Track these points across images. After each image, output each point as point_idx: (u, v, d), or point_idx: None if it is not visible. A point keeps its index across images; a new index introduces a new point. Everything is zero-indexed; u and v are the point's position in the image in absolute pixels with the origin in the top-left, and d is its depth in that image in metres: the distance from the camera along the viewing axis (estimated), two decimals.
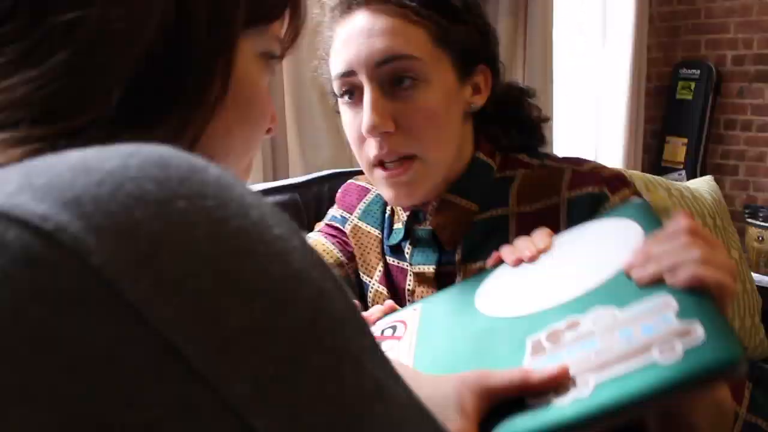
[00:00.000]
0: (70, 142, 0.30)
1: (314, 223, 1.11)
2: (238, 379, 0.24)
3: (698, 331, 0.49)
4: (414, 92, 0.80)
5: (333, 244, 1.01)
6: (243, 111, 0.44)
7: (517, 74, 2.48)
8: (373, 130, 0.79)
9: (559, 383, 0.53)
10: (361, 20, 0.81)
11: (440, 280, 0.90)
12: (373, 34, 0.79)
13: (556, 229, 0.81)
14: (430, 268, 0.89)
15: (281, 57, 0.48)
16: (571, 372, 0.53)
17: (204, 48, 0.38)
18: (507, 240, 0.84)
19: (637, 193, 0.83)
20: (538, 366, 0.55)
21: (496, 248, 0.84)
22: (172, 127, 0.37)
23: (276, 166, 1.69)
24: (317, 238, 1.02)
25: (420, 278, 0.91)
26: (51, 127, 0.32)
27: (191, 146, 0.39)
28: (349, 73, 0.81)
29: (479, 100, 0.88)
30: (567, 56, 3.04)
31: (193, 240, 0.24)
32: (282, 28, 0.47)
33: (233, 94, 0.41)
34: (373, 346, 0.29)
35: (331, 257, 0.99)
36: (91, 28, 0.33)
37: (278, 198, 1.17)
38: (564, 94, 3.00)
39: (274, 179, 1.63)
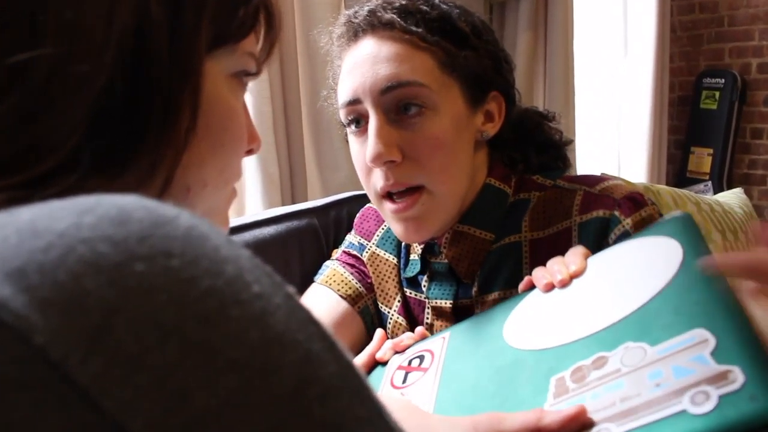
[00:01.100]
0: (31, 194, 0.27)
1: (333, 251, 1.09)
2: None
3: (737, 376, 0.44)
4: (421, 120, 0.78)
5: (351, 274, 0.98)
6: (216, 137, 0.41)
7: (538, 88, 2.46)
8: (378, 159, 0.77)
9: (579, 430, 0.49)
10: (367, 47, 0.79)
11: (458, 314, 0.87)
12: (379, 61, 0.78)
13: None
14: (447, 303, 0.87)
15: (258, 72, 0.45)
16: (594, 418, 0.49)
17: (167, 80, 0.36)
18: (521, 267, 0.82)
19: (654, 214, 0.79)
20: (561, 408, 0.52)
21: (510, 277, 0.81)
22: (144, 166, 0.35)
23: (294, 189, 1.67)
24: (335, 268, 1.00)
25: (437, 312, 0.88)
26: (9, 179, 0.30)
27: (166, 182, 0.37)
28: (354, 102, 0.79)
29: (491, 129, 0.85)
30: (588, 68, 3.01)
31: (154, 308, 0.21)
32: (257, 42, 0.44)
33: (205, 121, 0.39)
34: (373, 414, 0.25)
35: (350, 288, 0.96)
36: (43, 70, 0.31)
37: (295, 224, 1.14)
38: (586, 106, 2.97)
39: (293, 202, 1.61)
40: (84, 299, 0.21)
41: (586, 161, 2.91)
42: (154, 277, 0.22)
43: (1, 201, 0.28)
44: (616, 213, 0.78)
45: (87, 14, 0.32)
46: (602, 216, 0.78)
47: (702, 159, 3.44)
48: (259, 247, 1.04)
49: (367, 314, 0.96)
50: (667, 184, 2.98)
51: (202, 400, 0.21)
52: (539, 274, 0.70)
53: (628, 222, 0.77)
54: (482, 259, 0.85)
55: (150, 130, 0.35)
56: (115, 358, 0.20)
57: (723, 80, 3.38)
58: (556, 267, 0.69)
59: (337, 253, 1.05)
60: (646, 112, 3.05)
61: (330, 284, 0.97)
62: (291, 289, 0.26)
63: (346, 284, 0.96)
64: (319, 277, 1.00)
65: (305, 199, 1.62)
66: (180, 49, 0.36)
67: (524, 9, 2.37)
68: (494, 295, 0.83)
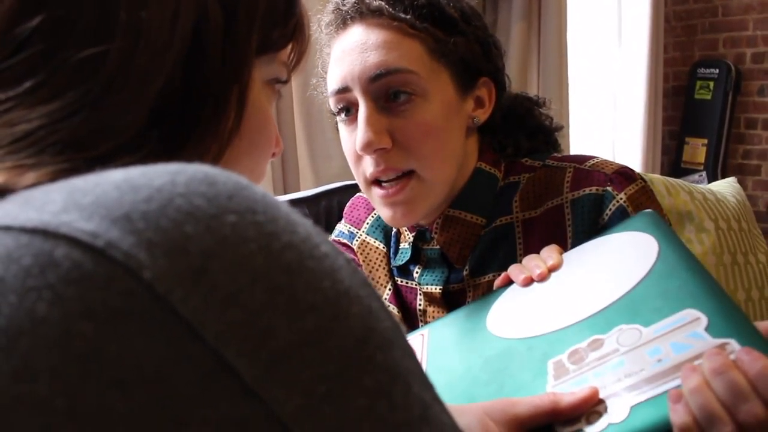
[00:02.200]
0: (92, 169, 0.29)
1: None
2: (290, 396, 0.23)
3: (734, 347, 0.47)
4: (411, 107, 0.77)
5: None
6: (253, 139, 0.44)
7: (531, 79, 2.45)
8: (368, 147, 0.76)
9: (591, 407, 0.50)
10: (355, 35, 0.79)
11: (450, 299, 0.87)
12: (367, 49, 0.77)
13: (561, 230, 0.79)
14: (437, 289, 0.86)
15: (287, 81, 0.48)
16: (601, 395, 0.50)
17: (219, 80, 0.39)
18: (514, 248, 0.82)
19: (646, 186, 0.80)
20: (563, 390, 0.53)
21: (504, 258, 0.81)
22: (190, 157, 0.37)
23: (286, 179, 1.67)
24: None
25: (429, 298, 0.88)
26: (73, 156, 0.32)
27: None
28: (343, 90, 0.79)
29: (482, 114, 0.85)
30: (582, 59, 3.00)
31: (246, 254, 0.24)
32: (287, 52, 0.47)
33: (246, 122, 0.42)
34: (418, 368, 0.29)
35: None
36: (113, 64, 0.34)
37: None
38: (580, 97, 2.97)
39: (285, 192, 1.61)
40: (185, 243, 0.24)
41: (581, 152, 2.90)
42: (244, 228, 0.25)
43: (66, 170, 0.31)
44: (609, 188, 0.78)
45: (155, 14, 0.35)
46: (595, 192, 0.78)
47: (696, 149, 3.44)
48: None
49: None
50: (662, 174, 2.97)
51: (285, 337, 0.24)
52: (516, 271, 0.71)
53: (621, 197, 0.77)
54: (474, 243, 0.85)
55: (200, 124, 0.38)
56: (212, 296, 0.23)
57: (717, 70, 3.38)
58: (533, 263, 0.70)
59: None
60: (640, 103, 3.05)
61: None
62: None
63: None
64: None
65: (297, 190, 1.62)
66: (233, 53, 0.39)
67: None
68: (488, 277, 0.83)
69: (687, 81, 3.51)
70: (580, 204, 0.79)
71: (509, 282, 0.72)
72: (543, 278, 0.67)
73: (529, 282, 0.68)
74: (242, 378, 0.23)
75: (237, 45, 0.39)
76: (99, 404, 0.21)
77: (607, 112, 3.16)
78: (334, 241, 1.02)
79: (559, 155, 0.88)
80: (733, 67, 3.35)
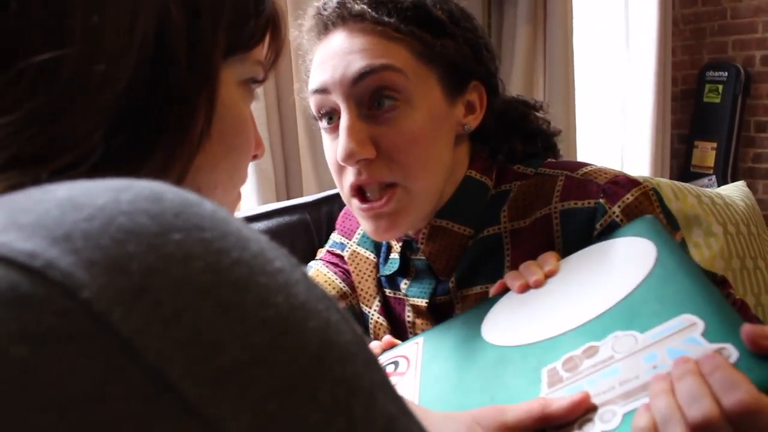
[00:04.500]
0: (52, 180, 0.29)
1: (318, 249, 1.07)
2: (238, 414, 0.22)
3: (731, 352, 0.47)
4: (396, 115, 0.73)
5: (335, 273, 0.95)
6: (229, 142, 0.43)
7: (537, 83, 2.44)
8: (350, 157, 0.73)
9: (583, 414, 0.49)
10: (338, 41, 0.75)
11: (438, 312, 0.85)
12: (350, 53, 0.74)
13: (550, 241, 0.76)
14: (423, 302, 0.84)
15: (263, 80, 0.47)
16: (595, 402, 0.50)
17: (184, 83, 0.38)
18: (502, 259, 0.80)
19: (647, 191, 0.75)
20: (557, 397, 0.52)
21: (493, 270, 0.79)
22: (158, 164, 0.37)
23: (289, 185, 1.67)
24: (318, 268, 0.98)
25: (417, 310, 0.86)
26: (31, 169, 0.31)
27: (178, 182, 0.38)
28: (322, 90, 0.76)
29: (473, 121, 0.81)
30: (589, 63, 2.99)
31: (191, 272, 0.24)
32: (263, 50, 0.46)
33: (218, 126, 0.41)
34: (384, 381, 0.28)
35: (334, 288, 0.94)
36: (69, 70, 0.33)
37: (286, 219, 1.13)
38: (587, 101, 2.95)
39: (287, 197, 1.60)
40: (127, 261, 0.23)
41: (589, 157, 2.89)
42: (190, 246, 0.24)
43: (21, 185, 0.30)
44: (602, 201, 0.74)
45: (111, 18, 0.34)
46: (586, 206, 0.75)
47: (706, 153, 3.41)
48: None
49: (352, 315, 0.94)
50: (671, 178, 2.95)
51: (233, 353, 0.23)
52: (512, 277, 0.69)
53: (615, 210, 0.73)
54: (461, 255, 0.82)
55: (165, 131, 0.37)
56: (154, 314, 0.22)
57: (726, 73, 3.35)
58: (529, 269, 0.68)
59: (321, 253, 1.02)
60: (649, 107, 3.03)
61: None
62: (306, 269, 0.28)
63: (329, 284, 0.94)
64: None
65: (300, 195, 1.62)
66: (197, 55, 0.38)
67: (523, 3, 2.36)
68: (476, 289, 0.81)
69: (696, 84, 3.49)
70: (570, 217, 0.76)
71: (505, 289, 0.70)
72: (539, 285, 0.66)
73: (525, 289, 0.67)
74: (185, 397, 0.22)
75: (202, 46, 0.38)
76: (33, 428, 0.21)
77: (615, 116, 3.14)
78: (328, 251, 1.00)
79: (554, 161, 0.84)
80: (742, 70, 3.33)
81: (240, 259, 0.25)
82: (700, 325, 0.49)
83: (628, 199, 0.74)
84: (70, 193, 0.25)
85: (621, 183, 0.75)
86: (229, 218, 0.27)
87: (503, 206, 0.81)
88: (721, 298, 0.52)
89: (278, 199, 1.60)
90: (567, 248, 0.75)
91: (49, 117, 0.32)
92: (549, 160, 0.85)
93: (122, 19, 0.34)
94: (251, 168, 1.55)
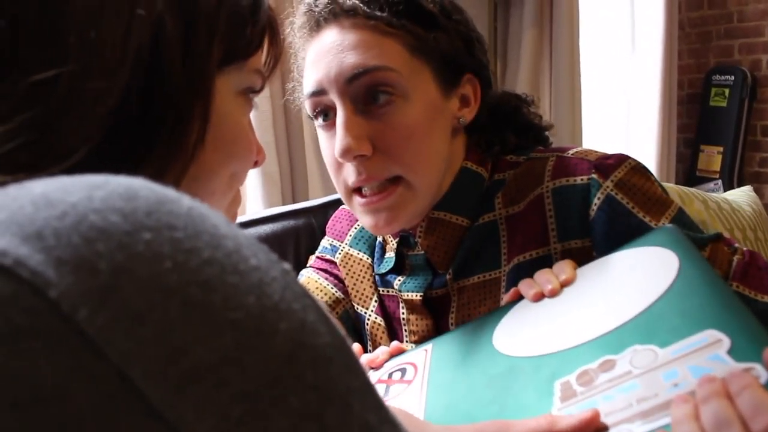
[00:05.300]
0: None
1: (309, 257, 1.06)
2: (201, 418, 0.22)
3: (760, 373, 0.43)
4: (391, 109, 0.74)
5: (326, 279, 0.95)
6: (226, 151, 0.43)
7: (543, 86, 2.43)
8: (347, 153, 0.73)
9: None
10: (330, 37, 0.75)
11: (433, 305, 0.84)
12: (343, 50, 0.73)
13: (543, 221, 0.75)
14: (417, 296, 0.83)
15: (261, 88, 0.47)
16: (609, 421, 0.47)
17: (179, 94, 0.37)
18: (499, 247, 0.79)
19: (638, 166, 0.76)
20: (570, 413, 0.49)
21: (490, 258, 0.78)
22: (151, 173, 0.36)
23: (295, 188, 1.66)
24: (309, 276, 0.97)
25: (410, 306, 0.85)
26: (20, 175, 0.31)
27: None
28: (319, 92, 0.76)
29: (468, 114, 0.81)
30: (595, 66, 2.98)
31: (159, 272, 0.23)
32: (261, 57, 0.46)
33: (214, 135, 0.41)
34: (364, 387, 0.27)
35: (327, 295, 0.93)
36: (65, 85, 0.33)
37: (292, 223, 1.13)
38: (593, 104, 2.94)
39: (294, 201, 1.60)
40: (95, 260, 0.23)
41: None
42: (159, 245, 0.24)
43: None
44: (595, 176, 0.74)
45: (107, 32, 0.34)
46: (579, 183, 0.75)
47: (712, 157, 3.40)
48: None
49: (347, 319, 0.93)
50: (677, 183, 2.95)
51: (199, 355, 0.23)
52: (526, 285, 0.68)
53: (608, 184, 0.73)
54: (458, 246, 0.81)
55: (160, 139, 0.37)
56: (120, 314, 0.22)
57: (733, 77, 3.34)
58: (544, 277, 0.67)
59: (311, 260, 1.01)
60: (654, 111, 3.02)
61: None
62: (287, 266, 0.28)
63: (321, 291, 0.93)
64: None
65: (306, 199, 1.61)
66: (192, 67, 0.38)
67: (529, 6, 2.35)
68: (474, 279, 0.80)
69: (702, 88, 3.48)
70: (563, 195, 0.75)
71: (519, 297, 0.68)
72: (554, 294, 0.64)
73: (539, 297, 0.65)
74: (148, 399, 0.22)
75: (197, 57, 0.38)
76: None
77: (620, 119, 3.13)
78: (318, 257, 0.99)
79: (544, 147, 0.85)
80: (748, 74, 3.31)
81: (211, 258, 0.25)
82: (726, 342, 0.46)
83: (621, 171, 0.74)
84: (45, 189, 0.25)
85: (611, 158, 0.76)
86: (204, 216, 0.26)
87: (497, 193, 0.81)
88: (748, 314, 0.49)
89: (284, 203, 1.60)
90: (563, 230, 0.75)
91: (41, 128, 0.32)
92: (541, 146, 0.86)
93: (118, 32, 0.34)
94: (257, 171, 1.55)
